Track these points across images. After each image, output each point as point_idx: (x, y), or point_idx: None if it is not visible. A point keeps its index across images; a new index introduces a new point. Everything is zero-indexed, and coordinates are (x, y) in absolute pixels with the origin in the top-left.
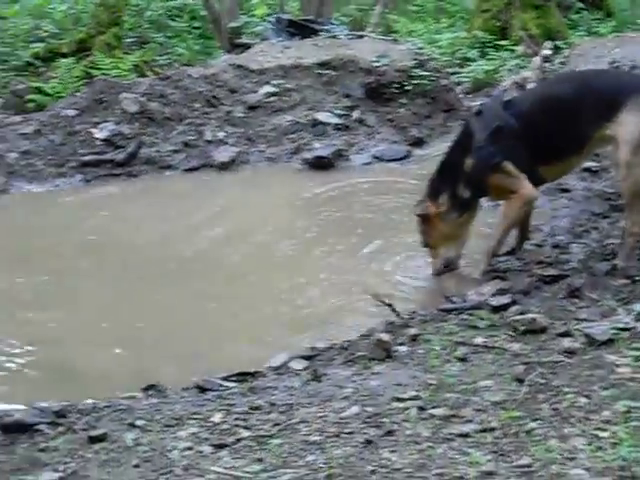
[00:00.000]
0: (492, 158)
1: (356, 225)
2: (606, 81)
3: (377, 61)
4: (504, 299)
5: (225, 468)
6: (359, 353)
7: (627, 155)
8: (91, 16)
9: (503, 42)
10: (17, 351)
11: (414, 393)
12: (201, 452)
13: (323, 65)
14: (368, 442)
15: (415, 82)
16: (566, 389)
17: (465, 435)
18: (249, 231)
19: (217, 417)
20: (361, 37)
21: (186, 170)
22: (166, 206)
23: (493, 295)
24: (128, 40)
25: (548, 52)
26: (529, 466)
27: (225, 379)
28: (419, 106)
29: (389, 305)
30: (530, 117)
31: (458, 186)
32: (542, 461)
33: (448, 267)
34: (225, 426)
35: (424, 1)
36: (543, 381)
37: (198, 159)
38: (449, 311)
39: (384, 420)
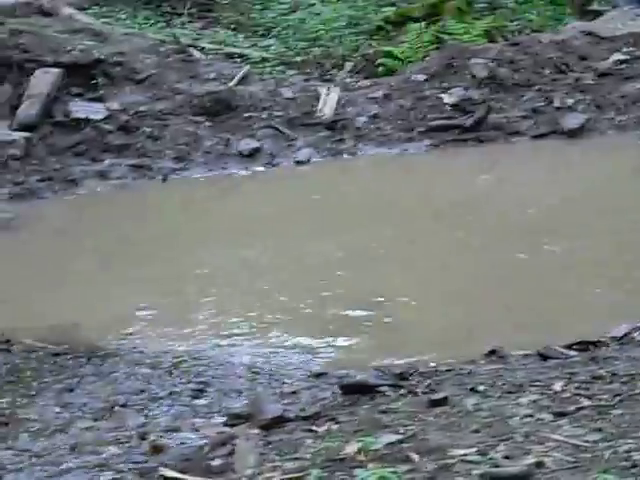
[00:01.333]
0: None
1: None
2: None
3: None
4: None
5: (565, 436)
6: None
7: None
8: None
9: None
10: (358, 311)
11: None
12: (541, 420)
13: None
14: None
15: None
16: None
17: None
18: (594, 199)
19: (558, 385)
20: None
21: (534, 137)
22: (514, 172)
23: None
24: (478, 5)
25: None
26: None
27: (567, 347)
28: None
29: None
30: None
31: None
32: None
33: None
34: (566, 394)
35: None
36: None
37: (546, 126)
38: None
39: None
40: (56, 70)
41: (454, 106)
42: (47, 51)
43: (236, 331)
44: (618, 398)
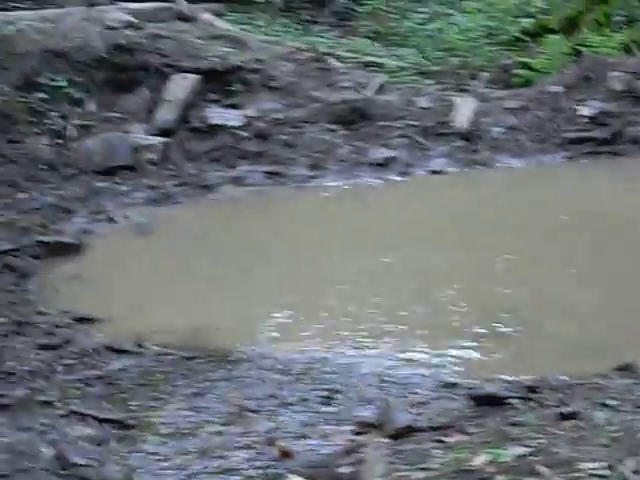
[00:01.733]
0: None
1: None
2: None
3: None
4: None
5: None
6: None
7: None
8: None
9: None
10: (488, 322)
11: None
12: None
13: None
14: None
15: None
16: None
17: None
18: None
19: None
20: None
21: None
22: None
23: None
24: (617, 18)
25: None
26: None
27: None
28: None
29: None
30: None
31: None
32: None
33: None
34: None
35: None
36: None
37: None
38: None
39: None
40: (194, 76)
41: (590, 118)
42: (185, 57)
43: (367, 339)
44: None
